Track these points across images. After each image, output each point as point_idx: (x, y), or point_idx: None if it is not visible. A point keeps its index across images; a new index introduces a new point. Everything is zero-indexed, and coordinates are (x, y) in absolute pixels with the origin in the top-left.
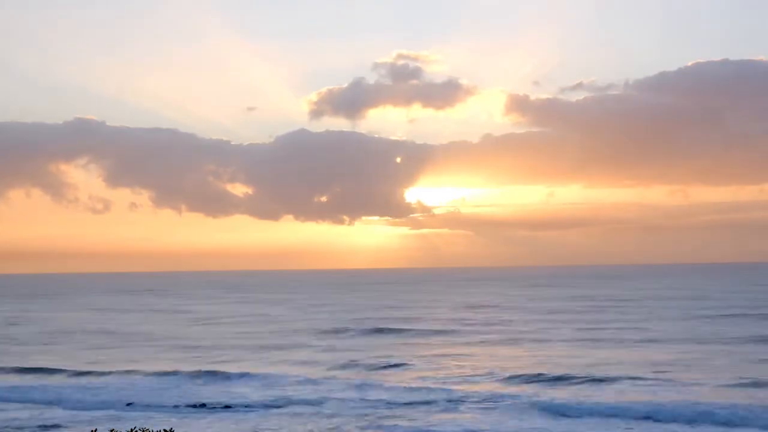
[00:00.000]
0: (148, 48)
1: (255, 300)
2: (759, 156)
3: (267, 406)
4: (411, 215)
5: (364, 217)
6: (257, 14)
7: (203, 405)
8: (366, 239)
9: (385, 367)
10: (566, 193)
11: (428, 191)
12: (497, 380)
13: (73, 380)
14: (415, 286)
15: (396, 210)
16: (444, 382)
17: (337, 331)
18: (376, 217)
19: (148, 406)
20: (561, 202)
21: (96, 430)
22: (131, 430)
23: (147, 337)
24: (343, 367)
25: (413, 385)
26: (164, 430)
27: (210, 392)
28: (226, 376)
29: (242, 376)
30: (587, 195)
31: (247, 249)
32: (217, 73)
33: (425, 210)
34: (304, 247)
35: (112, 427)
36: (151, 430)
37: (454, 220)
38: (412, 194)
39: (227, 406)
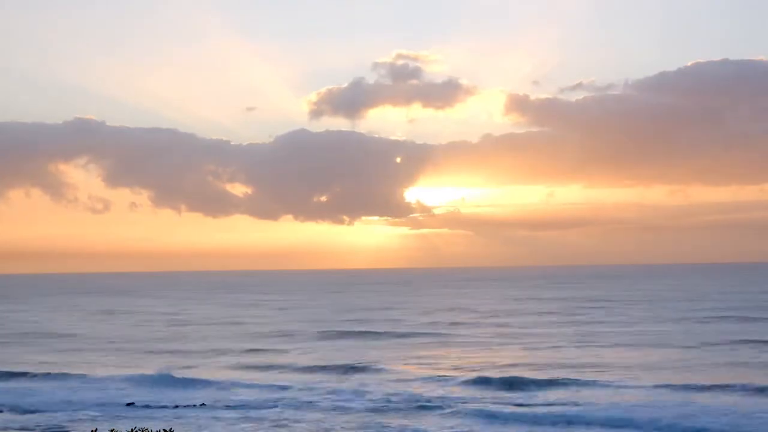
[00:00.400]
0: (148, 48)
1: (252, 301)
2: (759, 156)
3: (260, 407)
4: (411, 215)
5: (363, 217)
6: (257, 14)
7: (203, 405)
8: (366, 239)
9: (371, 371)
10: (566, 193)
11: (428, 191)
12: (484, 382)
13: (72, 381)
14: (414, 286)
15: (396, 210)
16: (438, 387)
17: (330, 333)
18: (376, 217)
19: (147, 406)
20: (561, 202)
21: (96, 430)
22: (131, 430)
23: (146, 338)
24: (328, 370)
25: (397, 388)
26: (164, 430)
27: (208, 393)
28: (221, 379)
29: (238, 378)
30: (587, 195)
31: (246, 249)
32: (217, 73)
33: (425, 210)
34: (303, 247)
35: (112, 427)
36: (151, 430)
37: (454, 220)
38: (412, 194)
39: (226, 407)
